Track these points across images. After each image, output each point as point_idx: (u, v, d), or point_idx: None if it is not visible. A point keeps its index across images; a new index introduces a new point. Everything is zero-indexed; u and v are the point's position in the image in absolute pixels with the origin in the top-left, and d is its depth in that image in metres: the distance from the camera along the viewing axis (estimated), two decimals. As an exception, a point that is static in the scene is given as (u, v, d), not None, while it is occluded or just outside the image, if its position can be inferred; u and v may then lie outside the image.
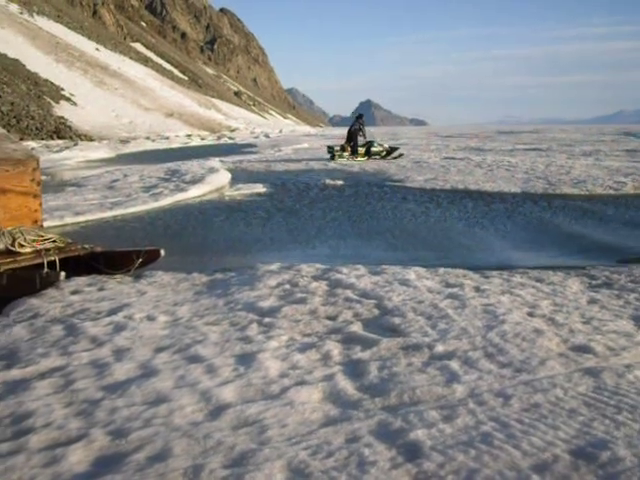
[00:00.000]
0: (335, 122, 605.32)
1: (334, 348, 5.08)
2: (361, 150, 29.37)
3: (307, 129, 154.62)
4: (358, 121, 29.37)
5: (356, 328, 5.59)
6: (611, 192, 16.52)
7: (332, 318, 5.94)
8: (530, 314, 5.90)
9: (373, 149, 29.84)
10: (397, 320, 5.75)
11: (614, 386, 4.21)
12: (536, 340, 5.09)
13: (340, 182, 19.72)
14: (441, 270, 7.85)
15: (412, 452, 3.44)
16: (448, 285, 7.08)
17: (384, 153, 30.06)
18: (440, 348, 4.98)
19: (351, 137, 29.55)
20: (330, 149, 30.21)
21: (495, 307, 6.09)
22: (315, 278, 7.41)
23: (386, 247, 10.14)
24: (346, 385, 4.36)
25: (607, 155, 32.02)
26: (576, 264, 8.41)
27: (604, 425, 3.67)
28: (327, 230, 11.71)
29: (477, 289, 6.87)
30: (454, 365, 4.63)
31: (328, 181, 19.80)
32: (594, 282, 7.28)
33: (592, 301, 6.43)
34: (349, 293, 6.72)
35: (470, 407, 3.94)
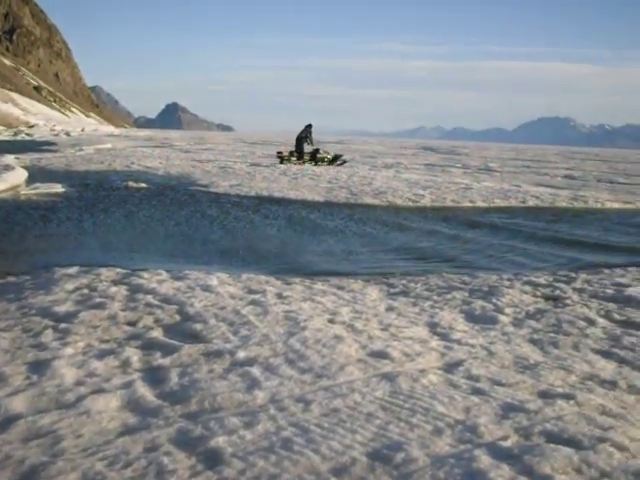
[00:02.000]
0: (140, 123, 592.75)
1: (134, 354, 4.95)
2: (307, 157, 31.50)
3: (111, 129, 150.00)
4: (307, 130, 31.23)
5: (157, 334, 5.49)
6: (410, 204, 17.26)
7: (132, 324, 5.79)
8: (331, 321, 6.04)
9: (319, 155, 32.00)
10: (199, 326, 5.70)
11: (409, 390, 4.39)
12: (336, 346, 5.21)
13: (144, 185, 19.30)
14: (244, 276, 7.87)
15: (212, 459, 3.40)
16: (250, 291, 7.11)
17: (329, 160, 32.22)
18: (242, 354, 4.98)
19: (299, 144, 31.52)
20: (279, 154, 32.03)
21: (297, 314, 6.18)
22: (115, 282, 7.21)
23: (188, 252, 10.00)
24: (145, 392, 4.25)
25: (407, 168, 33.49)
26: (378, 272, 8.71)
27: (399, 428, 3.81)
28: (126, 234, 11.40)
29: (279, 296, 6.95)
30: (255, 371, 4.64)
31: (131, 184, 19.31)
32: (392, 290, 7.57)
33: (390, 308, 6.68)
34: (150, 298, 6.59)
35: (271, 413, 3.95)
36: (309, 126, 31.56)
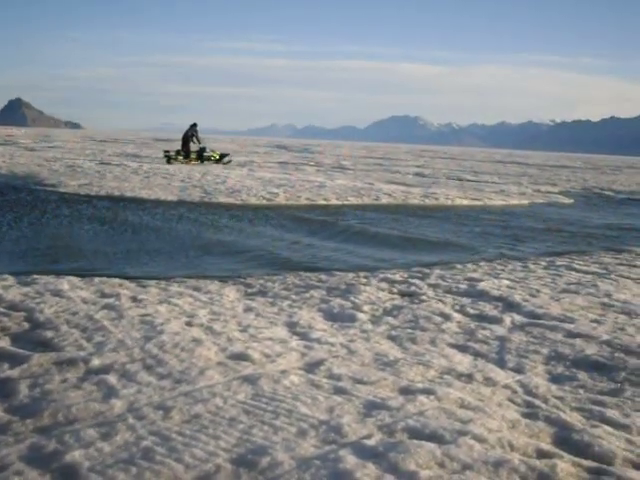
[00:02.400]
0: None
1: (-22, 367, 4.64)
2: (193, 155, 31.59)
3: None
4: (192, 129, 31.23)
5: (3, 344, 5.18)
6: (264, 202, 17.22)
7: (-24, 333, 5.44)
8: (188, 323, 5.90)
9: (205, 154, 32.26)
10: (49, 334, 5.43)
11: (271, 392, 4.33)
12: (195, 350, 5.09)
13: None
14: (96, 280, 7.60)
15: (69, 475, 3.22)
16: (104, 295, 6.86)
17: (216, 158, 32.83)
18: (96, 362, 4.77)
19: (185, 142, 31.55)
20: (167, 153, 32.11)
21: (153, 317, 6.01)
22: (-44, 289, 6.77)
23: (36, 255, 9.53)
24: (-8, 407, 3.99)
25: (260, 166, 33.50)
26: (232, 273, 8.60)
27: (263, 431, 3.74)
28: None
29: (134, 299, 6.74)
30: (112, 379, 4.45)
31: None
32: (250, 290, 7.50)
33: (248, 309, 6.61)
34: (-5, 305, 6.23)
35: (130, 422, 3.79)
36: (194, 125, 31.66)
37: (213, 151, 33.72)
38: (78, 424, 3.78)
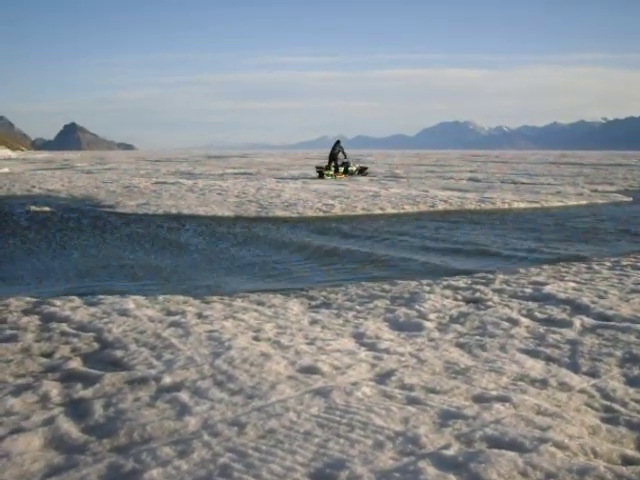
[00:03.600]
0: (38, 146, 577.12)
1: (53, 388, 4.69)
2: (341, 169, 34.54)
3: (7, 153, 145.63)
4: (338, 145, 34.40)
5: (75, 364, 5.23)
6: (321, 214, 17.23)
7: (48, 355, 5.51)
8: (255, 338, 5.90)
9: (350, 169, 35.42)
10: (119, 353, 5.47)
11: (344, 404, 4.28)
12: (264, 364, 5.07)
13: (47, 209, 18.72)
14: (160, 297, 7.66)
15: (148, 494, 3.22)
16: (169, 313, 6.90)
17: (357, 172, 36.14)
18: (167, 380, 4.78)
19: (333, 158, 34.44)
20: (319, 169, 34.99)
21: (220, 333, 6.02)
22: (26, 312, 6.89)
23: (98, 275, 9.67)
24: (70, 428, 4.01)
25: (314, 179, 33.57)
26: (295, 286, 8.60)
27: (339, 445, 3.70)
28: (33, 261, 10.97)
29: (200, 315, 6.76)
30: (184, 396, 4.45)
31: (34, 208, 18.71)
32: (313, 302, 7.47)
33: (314, 321, 6.57)
34: (65, 327, 6.31)
35: (205, 439, 3.78)
36: (338, 142, 34.85)
37: (354, 165, 36.75)
38: (154, 442, 3.79)
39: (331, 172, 33.82)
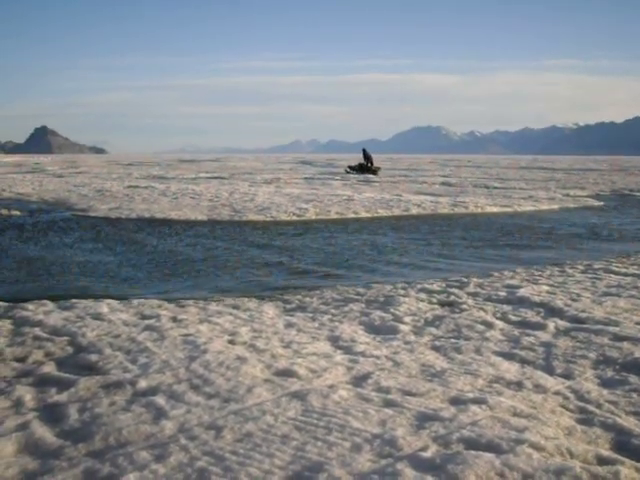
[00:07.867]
0: (8, 149, 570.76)
1: (26, 393, 4.64)
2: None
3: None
4: (365, 152, 45.94)
5: (49, 369, 5.18)
6: (294, 218, 17.22)
7: (21, 360, 5.46)
8: (231, 342, 5.88)
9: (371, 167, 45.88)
10: (94, 357, 5.43)
11: (321, 407, 4.27)
12: (240, 368, 5.05)
13: (17, 212, 18.55)
14: (135, 302, 7.61)
15: (125, 499, 3.19)
16: (144, 317, 6.86)
17: (374, 171, 45.04)
18: (143, 384, 4.75)
19: (367, 158, 45.60)
20: (351, 167, 47.00)
21: (195, 337, 5.99)
22: (-3, 317, 6.81)
23: (70, 280, 9.57)
24: (44, 433, 3.97)
25: (287, 183, 33.54)
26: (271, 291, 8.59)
27: (317, 447, 3.69)
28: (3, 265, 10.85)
29: (174, 319, 6.73)
30: (160, 400, 4.42)
31: (3, 211, 18.52)
32: (288, 306, 7.47)
33: (289, 325, 6.56)
34: (38, 331, 6.26)
35: (182, 443, 3.76)
36: (365, 150, 46.29)
37: (371, 165, 45.77)
38: (130, 447, 3.75)
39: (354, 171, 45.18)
